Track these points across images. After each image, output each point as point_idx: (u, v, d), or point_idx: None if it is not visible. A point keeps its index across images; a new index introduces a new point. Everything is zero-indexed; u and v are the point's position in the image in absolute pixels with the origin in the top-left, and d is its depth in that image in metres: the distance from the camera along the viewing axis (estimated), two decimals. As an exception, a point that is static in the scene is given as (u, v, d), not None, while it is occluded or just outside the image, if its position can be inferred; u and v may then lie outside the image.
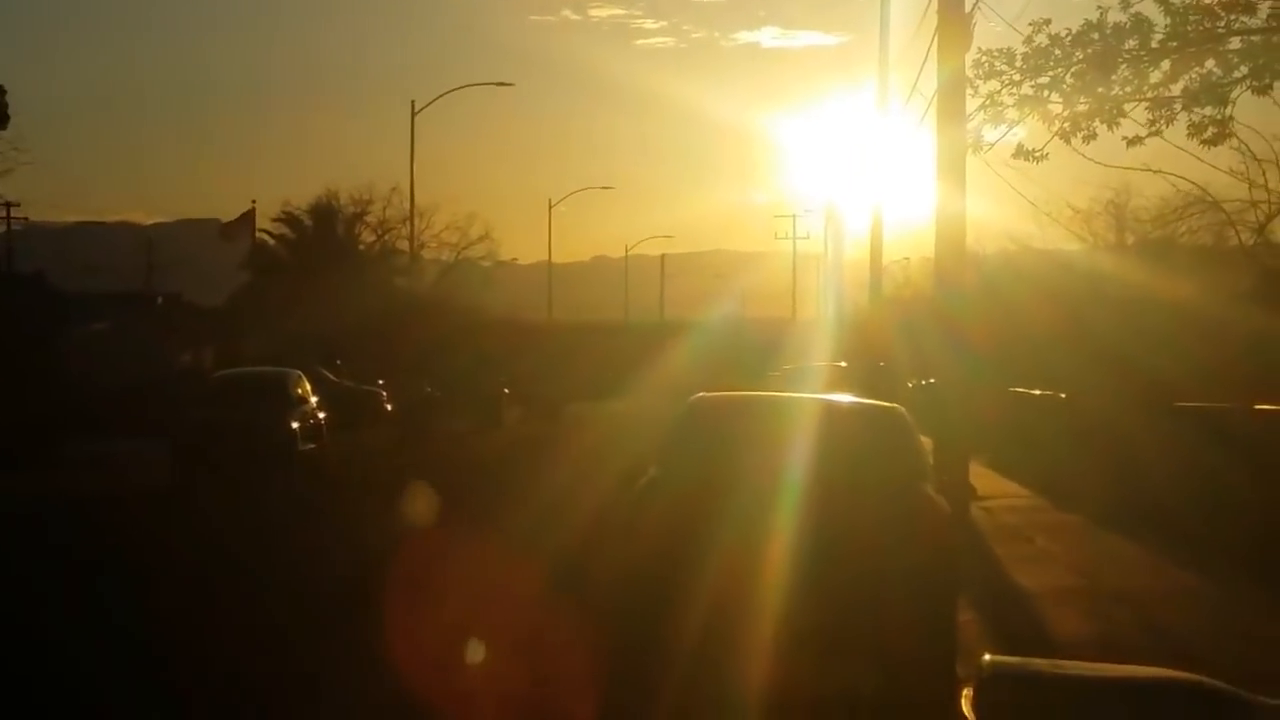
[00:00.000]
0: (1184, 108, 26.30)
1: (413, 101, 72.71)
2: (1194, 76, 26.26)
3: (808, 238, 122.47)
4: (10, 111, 68.38)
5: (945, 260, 28.04)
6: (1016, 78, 27.13)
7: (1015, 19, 28.07)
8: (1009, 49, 27.14)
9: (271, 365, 44.92)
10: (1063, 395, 37.03)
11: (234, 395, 38.71)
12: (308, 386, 41.56)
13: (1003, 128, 27.62)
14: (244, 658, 15.12)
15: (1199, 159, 28.03)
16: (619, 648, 14.28)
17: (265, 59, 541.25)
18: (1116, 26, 26.20)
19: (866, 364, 54.08)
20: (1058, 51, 26.74)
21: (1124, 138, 26.79)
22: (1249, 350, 32.31)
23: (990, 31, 27.95)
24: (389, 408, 65.35)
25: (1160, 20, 25.99)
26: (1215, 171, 30.49)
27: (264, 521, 28.18)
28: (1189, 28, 25.81)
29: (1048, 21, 26.86)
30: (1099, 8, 26.50)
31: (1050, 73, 26.87)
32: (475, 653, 14.45)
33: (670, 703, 13.25)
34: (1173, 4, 25.70)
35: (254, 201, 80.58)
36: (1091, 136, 26.86)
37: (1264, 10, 25.30)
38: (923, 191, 36.66)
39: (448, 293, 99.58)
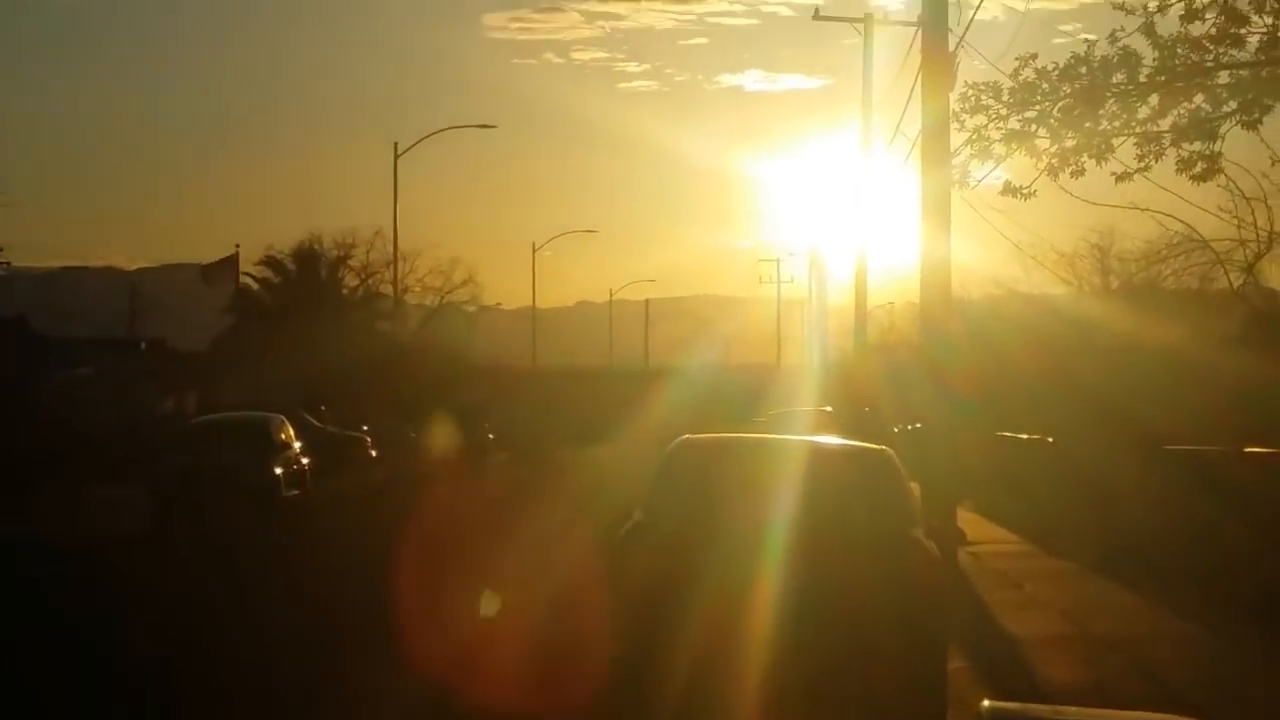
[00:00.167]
0: (1172, 143, 26.09)
1: (395, 144, 72.59)
2: (1182, 111, 26.06)
3: (792, 282, 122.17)
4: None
5: (931, 305, 27.88)
6: (1003, 112, 26.90)
7: (999, 58, 27.76)
8: (995, 83, 26.93)
9: (255, 410, 44.65)
10: (1050, 439, 36.83)
11: (215, 441, 38.42)
12: (291, 432, 41.30)
13: (989, 164, 27.40)
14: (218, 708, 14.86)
15: (1184, 199, 27.87)
16: (607, 695, 14.05)
17: (249, 102, 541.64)
18: (1104, 60, 25.98)
19: (852, 409, 53.94)
20: (1045, 86, 26.52)
21: (1113, 174, 26.54)
22: (1237, 393, 32.14)
23: (974, 69, 27.72)
24: (373, 453, 65.12)
25: (1148, 54, 25.78)
26: (1202, 212, 30.23)
27: (242, 568, 27.86)
28: (1177, 62, 25.59)
29: (1034, 56, 26.67)
30: (1086, 41, 26.34)
31: (1037, 107, 26.65)
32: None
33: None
34: (1161, 38, 25.49)
35: (237, 245, 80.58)
36: (1080, 172, 26.64)
37: (1253, 44, 25.11)
38: (907, 235, 36.55)
39: (431, 337, 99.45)
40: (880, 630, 13.73)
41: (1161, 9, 25.41)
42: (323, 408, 67.83)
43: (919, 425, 39.89)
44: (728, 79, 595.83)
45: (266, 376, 68.14)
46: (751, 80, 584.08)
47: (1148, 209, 29.79)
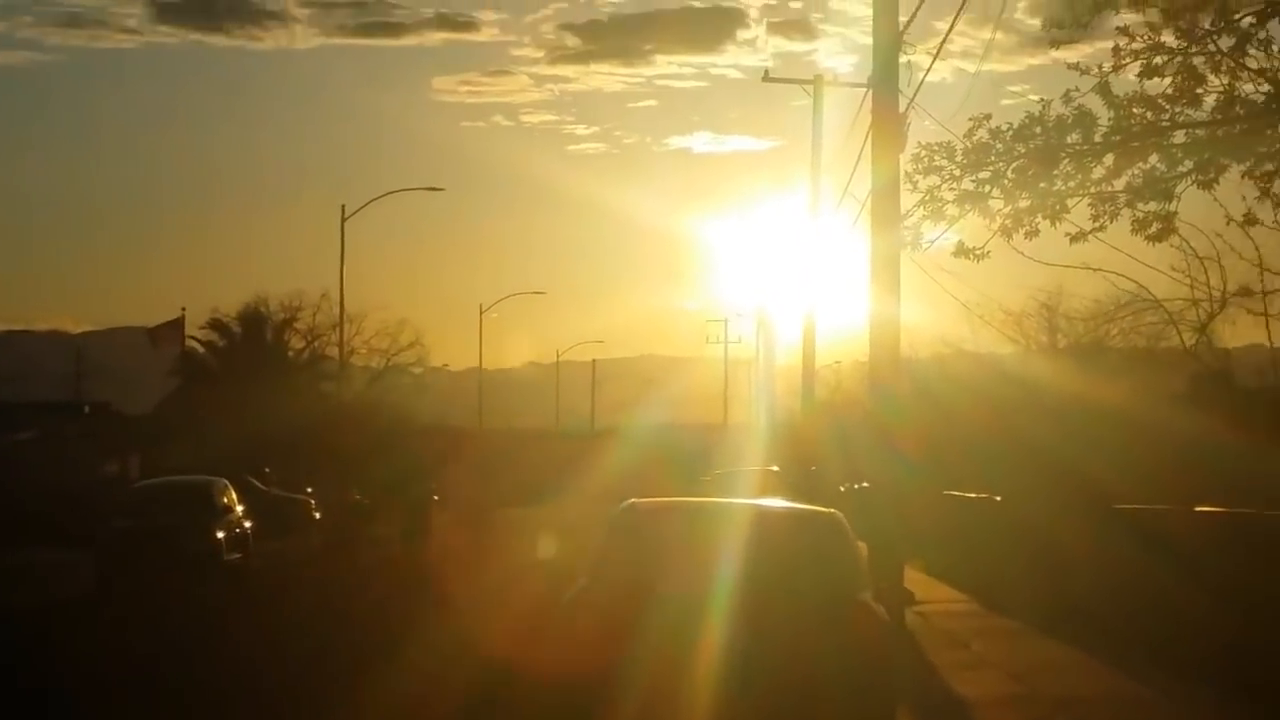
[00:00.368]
0: (1127, 203, 26.02)
1: (343, 206, 72.28)
2: (1138, 171, 25.98)
3: (740, 342, 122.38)
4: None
5: (879, 365, 27.76)
6: (956, 172, 26.77)
7: (949, 119, 27.66)
8: (949, 143, 26.80)
9: (199, 474, 44.38)
10: (997, 498, 36.74)
11: (158, 504, 38.20)
12: (234, 495, 41.06)
13: (941, 225, 27.28)
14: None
15: (1136, 259, 27.82)
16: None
17: (195, 166, 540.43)
18: (1059, 120, 25.89)
19: (799, 468, 53.86)
20: (999, 146, 26.41)
21: (1067, 234, 26.46)
22: (1186, 452, 32.08)
23: (925, 130, 27.63)
24: (317, 515, 64.75)
25: (1103, 114, 25.69)
26: (1154, 272, 30.15)
27: (183, 632, 27.55)
28: (1133, 121, 25.51)
29: (988, 116, 26.58)
30: (1040, 101, 26.24)
31: (991, 167, 26.53)
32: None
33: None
34: (1116, 97, 25.43)
35: (183, 309, 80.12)
36: (1034, 233, 26.53)
37: (1209, 103, 25.06)
38: (855, 295, 36.47)
39: (377, 399, 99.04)
40: (827, 696, 13.56)
41: (1117, 69, 25.38)
42: (267, 470, 67.45)
43: (865, 485, 39.81)
44: (676, 140, 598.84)
45: (211, 439, 67.64)
46: (700, 142, 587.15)
47: (1100, 269, 29.78)
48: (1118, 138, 25.73)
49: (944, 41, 28.10)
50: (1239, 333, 43.00)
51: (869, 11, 27.04)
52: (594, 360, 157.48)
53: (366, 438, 78.00)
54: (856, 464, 45.22)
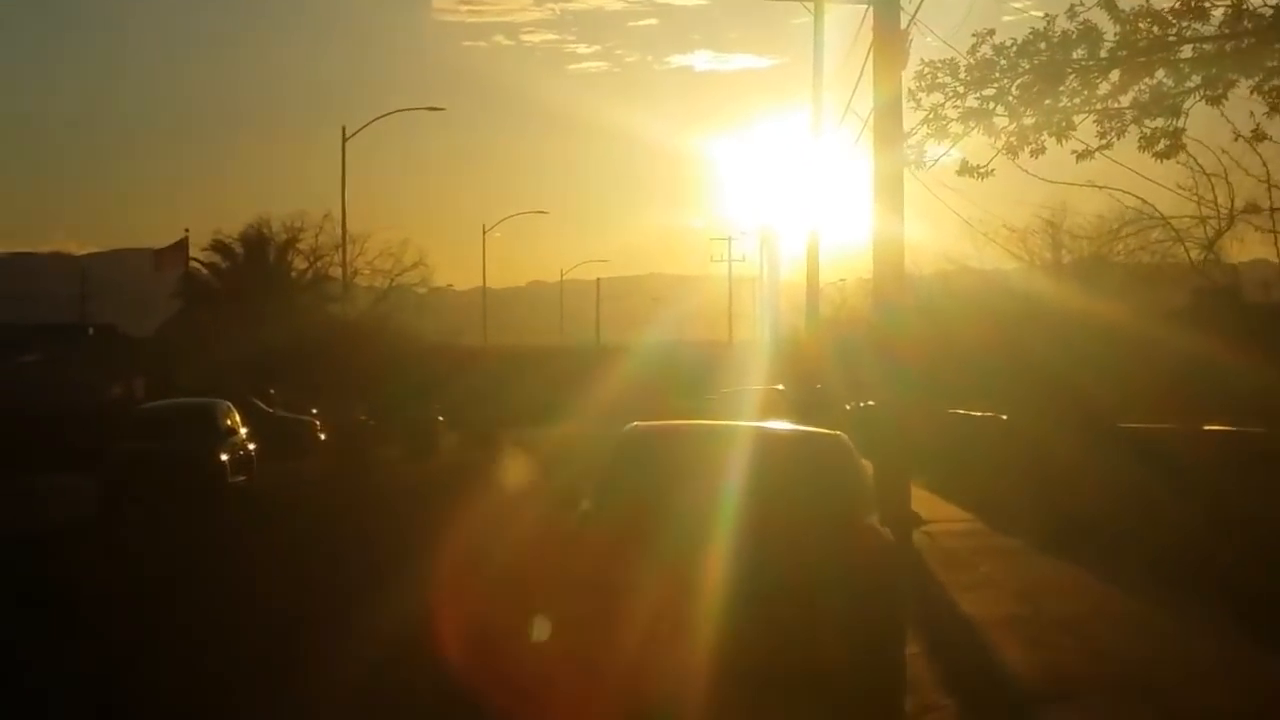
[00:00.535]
0: (1134, 120, 25.74)
1: (344, 127, 71.99)
2: (1144, 87, 25.67)
3: (744, 261, 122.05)
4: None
5: (883, 282, 27.72)
6: (960, 90, 26.50)
7: (951, 35, 27.39)
8: (952, 60, 26.49)
9: (203, 396, 44.37)
10: (1004, 417, 36.75)
11: (162, 427, 38.19)
12: (237, 417, 41.07)
13: (945, 144, 27.01)
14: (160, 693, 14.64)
15: (1143, 176, 27.59)
16: (555, 684, 13.85)
17: (195, 86, 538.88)
18: (1064, 35, 25.55)
19: (804, 387, 53.80)
20: (1003, 62, 26.08)
21: (1073, 151, 26.20)
22: (1188, 370, 32.05)
23: (927, 48, 27.37)
24: (322, 437, 64.82)
25: (1110, 29, 25.37)
26: (1159, 188, 29.91)
27: (189, 556, 27.60)
28: (1139, 36, 25.13)
29: (991, 32, 26.22)
30: (1045, 16, 25.92)
31: (995, 84, 26.21)
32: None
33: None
34: (1122, 11, 25.06)
35: (186, 230, 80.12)
36: (1040, 150, 26.23)
37: (1217, 17, 24.74)
38: (859, 212, 36.38)
39: (382, 320, 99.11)
40: (834, 621, 13.54)
41: None
42: (271, 391, 67.53)
43: (871, 403, 39.80)
44: (678, 59, 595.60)
45: (216, 361, 67.71)
46: (701, 60, 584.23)
47: (1105, 186, 29.55)
48: (1124, 53, 25.38)
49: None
50: (1246, 249, 42.93)
51: (870, -73, 26.86)
52: (598, 279, 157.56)
53: (371, 358, 78.04)
54: (862, 382, 45.15)
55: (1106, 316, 39.08)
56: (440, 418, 70.80)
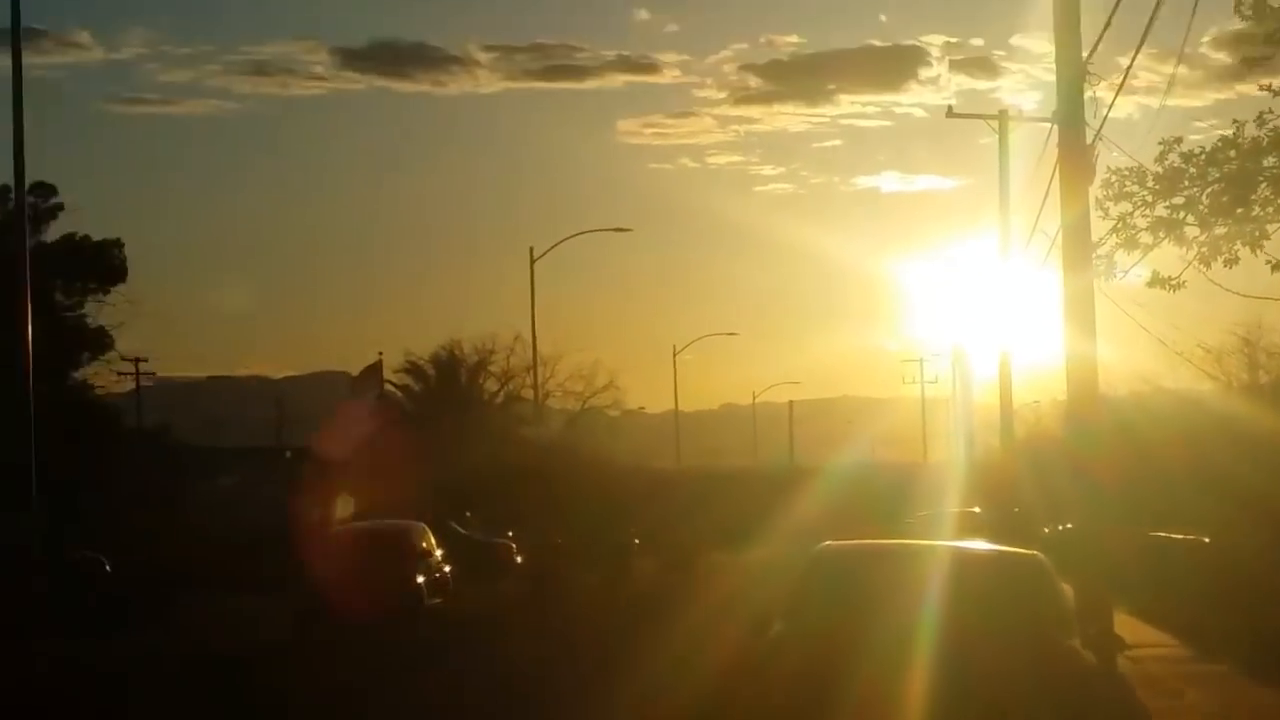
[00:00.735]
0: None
1: (531, 248, 72.69)
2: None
3: (936, 382, 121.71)
4: (128, 265, 69.38)
5: (1077, 402, 27.30)
6: (1149, 199, 26.12)
7: (1136, 152, 26.98)
8: (1140, 167, 26.15)
9: (399, 518, 44.69)
10: (1206, 540, 36.05)
11: (358, 550, 38.43)
12: (432, 539, 41.31)
13: (1135, 254, 26.57)
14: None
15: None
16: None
17: (385, 210, 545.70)
18: (1254, 142, 25.13)
19: (1000, 509, 53.24)
20: (1192, 170, 25.71)
21: (1267, 261, 25.66)
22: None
23: (1113, 165, 27.01)
24: (519, 559, 64.95)
25: None
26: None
27: (384, 679, 27.68)
28: None
29: (1179, 140, 25.93)
30: (1235, 122, 25.48)
31: (1184, 193, 25.81)
32: None
33: None
34: (1314, 115, 24.65)
35: (380, 353, 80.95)
36: (1234, 260, 25.75)
37: None
38: (1050, 331, 35.96)
39: (575, 442, 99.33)
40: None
41: None
42: (468, 514, 67.83)
43: (1069, 525, 39.22)
44: (863, 180, 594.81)
45: (410, 483, 68.21)
46: (888, 181, 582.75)
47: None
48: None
49: (1128, 72, 27.54)
50: None
51: (1051, 48, 26.62)
52: (790, 401, 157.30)
53: (566, 481, 78.22)
54: (1059, 504, 44.54)
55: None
56: (636, 540, 70.72)
